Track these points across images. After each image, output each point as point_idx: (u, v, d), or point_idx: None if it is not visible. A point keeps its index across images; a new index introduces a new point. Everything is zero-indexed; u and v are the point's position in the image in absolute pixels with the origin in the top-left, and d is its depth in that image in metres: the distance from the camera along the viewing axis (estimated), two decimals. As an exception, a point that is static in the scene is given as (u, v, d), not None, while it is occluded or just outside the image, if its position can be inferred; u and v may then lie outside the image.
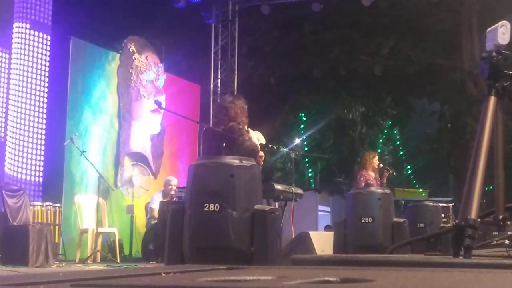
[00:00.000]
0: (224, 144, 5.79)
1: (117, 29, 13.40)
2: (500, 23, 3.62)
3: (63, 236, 10.31)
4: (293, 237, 7.58)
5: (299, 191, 7.05)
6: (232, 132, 5.84)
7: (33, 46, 11.17)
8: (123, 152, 11.84)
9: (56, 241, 10.13)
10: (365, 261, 3.41)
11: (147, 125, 12.44)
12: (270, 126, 18.54)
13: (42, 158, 11.12)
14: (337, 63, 17.62)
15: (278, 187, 6.57)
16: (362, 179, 9.93)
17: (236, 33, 14.26)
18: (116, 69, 11.91)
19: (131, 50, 12.18)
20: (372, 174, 10.01)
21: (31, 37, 11.15)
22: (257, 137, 6.17)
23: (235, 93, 13.69)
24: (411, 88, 19.61)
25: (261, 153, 5.97)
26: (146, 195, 11.17)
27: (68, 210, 10.46)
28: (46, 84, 11.29)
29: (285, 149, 13.71)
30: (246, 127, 6.02)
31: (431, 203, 9.87)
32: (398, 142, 24.99)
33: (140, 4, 15.20)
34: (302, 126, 23.24)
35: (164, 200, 10.06)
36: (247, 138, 5.84)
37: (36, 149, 11.05)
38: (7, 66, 10.78)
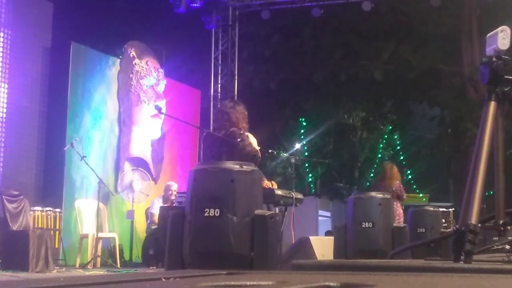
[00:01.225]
0: (225, 149, 5.81)
1: (117, 34, 13.42)
2: (500, 28, 3.63)
3: (63, 241, 10.31)
4: (293, 242, 7.57)
5: (300, 196, 7.04)
6: (233, 137, 5.87)
7: (33, 51, 11.17)
8: (123, 157, 11.84)
9: (56, 246, 10.12)
10: (366, 266, 3.41)
11: (147, 130, 12.44)
12: (271, 131, 18.56)
13: (43, 163, 11.12)
14: (337, 68, 17.65)
15: (279, 192, 6.56)
16: (402, 189, 10.22)
17: (236, 38, 14.27)
18: (116, 74, 11.92)
19: (131, 55, 12.19)
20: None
21: (31, 42, 11.16)
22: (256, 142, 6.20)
23: (235, 98, 13.71)
24: (411, 93, 19.63)
25: None
26: (146, 200, 11.17)
27: (68, 215, 10.46)
28: (47, 89, 11.30)
29: (285, 154, 13.72)
30: (246, 132, 6.04)
31: (432, 208, 9.86)
32: (398, 147, 24.99)
33: (140, 9, 15.21)
34: (302, 131, 23.25)
35: (164, 205, 10.05)
36: (248, 143, 5.86)
37: (37, 154, 11.05)
38: (6, 71, 10.78)
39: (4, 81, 10.72)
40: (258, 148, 6.03)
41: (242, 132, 5.95)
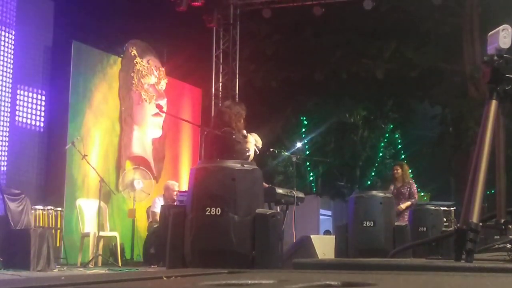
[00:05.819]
0: (218, 148, 5.89)
1: (118, 33, 13.40)
2: (501, 27, 3.63)
3: (64, 240, 10.30)
4: (294, 241, 7.59)
5: (301, 194, 7.05)
6: (225, 136, 5.93)
7: (34, 49, 11.18)
8: (124, 156, 11.83)
9: (58, 245, 10.11)
10: (367, 265, 3.41)
11: (148, 129, 12.44)
12: (272, 130, 18.56)
13: (44, 161, 11.12)
14: (339, 67, 17.65)
15: (280, 190, 6.58)
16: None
17: (238, 36, 14.26)
18: (117, 73, 11.91)
19: (132, 54, 12.18)
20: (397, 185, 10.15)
21: (32, 41, 11.17)
22: (254, 141, 6.23)
23: (237, 97, 13.73)
24: (413, 92, 19.65)
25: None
26: (148, 199, 11.17)
27: (69, 214, 10.46)
28: (48, 88, 11.30)
29: (286, 153, 13.69)
30: (244, 131, 6.06)
31: (433, 207, 9.87)
32: (399, 146, 25.01)
33: (141, 7, 15.20)
34: (303, 129, 23.27)
35: (166, 204, 10.05)
36: (239, 141, 5.92)
37: (38, 152, 11.05)
38: (8, 69, 10.79)
39: (7, 81, 10.72)
40: (255, 147, 6.07)
41: (234, 131, 5.99)
